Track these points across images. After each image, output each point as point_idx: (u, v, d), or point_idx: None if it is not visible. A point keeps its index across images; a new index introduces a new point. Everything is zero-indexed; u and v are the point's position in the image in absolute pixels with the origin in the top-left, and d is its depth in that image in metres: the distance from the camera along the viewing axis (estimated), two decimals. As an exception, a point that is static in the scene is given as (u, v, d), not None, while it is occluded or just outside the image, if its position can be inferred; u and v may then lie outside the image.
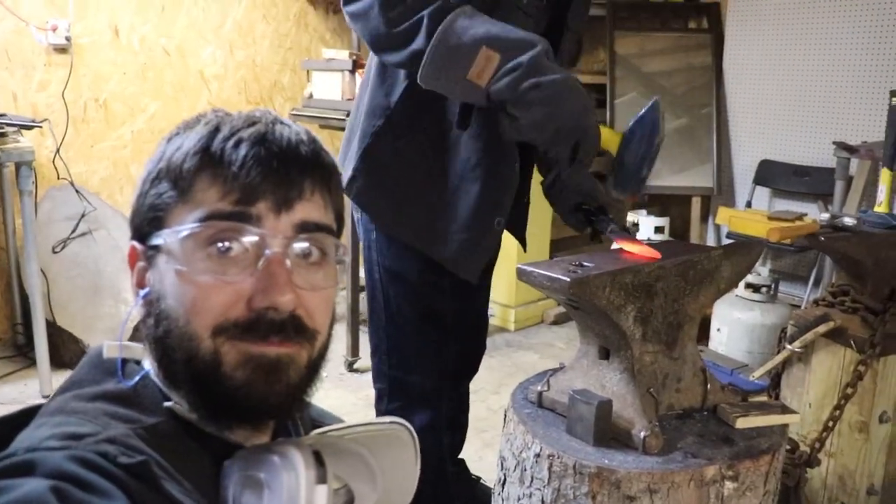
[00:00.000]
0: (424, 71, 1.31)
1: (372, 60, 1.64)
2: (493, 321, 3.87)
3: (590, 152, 1.35)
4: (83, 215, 3.23)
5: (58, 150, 3.27)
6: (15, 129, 2.66)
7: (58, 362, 2.88)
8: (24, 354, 3.22)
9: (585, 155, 1.34)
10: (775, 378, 1.90)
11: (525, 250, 1.86)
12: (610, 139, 1.39)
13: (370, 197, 1.63)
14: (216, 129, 0.72)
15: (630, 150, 1.38)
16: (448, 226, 1.58)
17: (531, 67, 1.26)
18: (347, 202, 0.84)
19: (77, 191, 3.27)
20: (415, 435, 0.82)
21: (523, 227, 1.83)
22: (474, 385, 2.02)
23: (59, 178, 3.28)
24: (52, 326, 2.92)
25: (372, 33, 1.39)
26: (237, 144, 0.70)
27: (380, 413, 1.80)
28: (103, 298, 3.14)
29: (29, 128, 2.73)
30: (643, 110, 1.36)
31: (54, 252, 3.14)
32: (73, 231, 3.20)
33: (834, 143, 3.28)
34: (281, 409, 0.73)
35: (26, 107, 3.21)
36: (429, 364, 1.72)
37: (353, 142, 1.66)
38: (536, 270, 1.15)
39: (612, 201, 1.56)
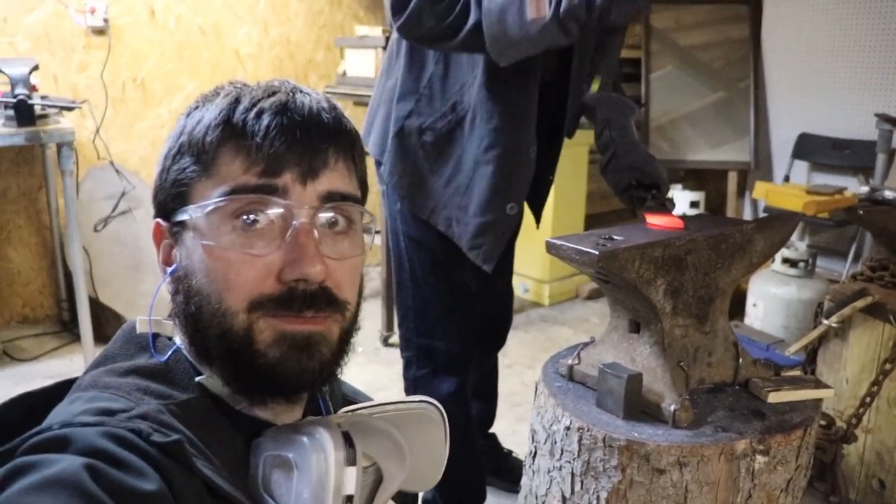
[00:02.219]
0: (490, 42, 1.33)
1: (401, 46, 1.65)
2: (527, 296, 3.88)
3: None
4: (123, 194, 3.29)
5: (98, 131, 3.33)
6: (56, 110, 2.70)
7: (101, 338, 2.94)
8: (69, 330, 3.32)
9: None
10: (811, 354, 1.88)
11: (538, 227, 1.87)
12: None
13: (398, 176, 1.66)
14: (236, 101, 0.71)
15: None
16: (465, 209, 1.59)
17: None
18: (370, 171, 0.85)
19: (117, 170, 3.33)
20: (444, 414, 0.81)
21: (541, 204, 1.84)
22: (508, 359, 2.03)
23: (99, 158, 3.34)
24: (94, 303, 2.99)
25: (431, 32, 1.42)
26: (259, 115, 0.69)
27: (408, 381, 1.83)
28: (144, 275, 3.21)
29: (69, 109, 2.76)
30: None
31: (96, 230, 3.21)
32: (114, 210, 3.26)
33: (876, 115, 3.20)
34: (313, 383, 0.73)
35: (66, 88, 3.27)
36: (454, 330, 1.74)
37: (375, 123, 1.70)
38: (566, 244, 1.14)
39: (665, 178, 1.55)
